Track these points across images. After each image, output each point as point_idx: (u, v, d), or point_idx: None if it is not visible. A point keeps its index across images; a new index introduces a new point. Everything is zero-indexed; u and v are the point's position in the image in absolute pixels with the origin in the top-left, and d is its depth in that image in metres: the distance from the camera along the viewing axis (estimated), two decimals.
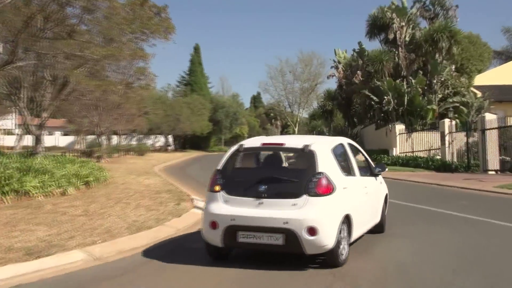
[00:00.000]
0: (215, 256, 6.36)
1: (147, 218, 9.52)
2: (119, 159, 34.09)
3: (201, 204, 12.16)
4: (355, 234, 6.43)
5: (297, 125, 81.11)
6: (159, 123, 57.96)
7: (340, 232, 5.84)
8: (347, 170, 6.58)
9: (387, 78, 32.29)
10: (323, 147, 6.32)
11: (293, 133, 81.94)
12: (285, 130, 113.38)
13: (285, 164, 6.99)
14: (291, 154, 6.90)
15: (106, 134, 41.22)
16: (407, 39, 33.45)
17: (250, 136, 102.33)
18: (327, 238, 5.71)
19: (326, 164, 6.06)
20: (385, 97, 31.15)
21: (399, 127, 30.75)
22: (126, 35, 19.22)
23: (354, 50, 37.44)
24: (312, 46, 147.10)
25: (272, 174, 6.10)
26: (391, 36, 33.53)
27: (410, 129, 30.66)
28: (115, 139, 51.50)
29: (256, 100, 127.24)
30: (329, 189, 5.87)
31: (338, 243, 5.80)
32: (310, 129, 57.80)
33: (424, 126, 30.87)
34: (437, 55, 32.15)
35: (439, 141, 27.01)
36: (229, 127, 79.60)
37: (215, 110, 75.57)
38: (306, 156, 6.09)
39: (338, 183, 5.96)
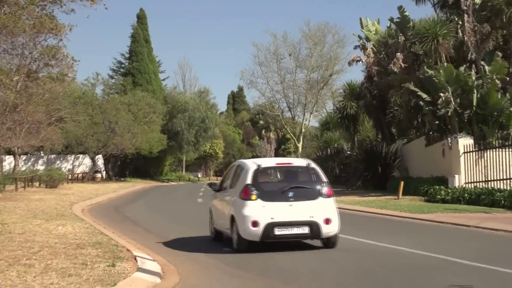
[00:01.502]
0: (243, 250, 13.94)
1: None
2: (16, 194, 33.85)
3: (150, 264, 12.16)
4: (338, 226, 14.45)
5: (301, 139, 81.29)
6: (82, 137, 57.74)
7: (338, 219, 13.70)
8: None
9: (445, 63, 32.63)
10: (316, 164, 14.65)
11: (295, 153, 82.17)
12: (281, 147, 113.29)
13: (282, 177, 15.13)
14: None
15: None
16: (477, 0, 33.87)
17: (226, 155, 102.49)
18: (335, 226, 13.62)
19: (324, 176, 14.18)
20: (442, 93, 31.45)
21: (465, 142, 31.04)
22: None
23: (391, 20, 37.85)
24: (324, 14, 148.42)
25: (294, 185, 14.00)
26: None
27: (482, 145, 30.92)
28: (9, 162, 51.16)
29: (236, 99, 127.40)
30: (331, 193, 14.00)
31: (338, 227, 13.62)
32: (323, 145, 57.88)
33: (505, 141, 31.14)
34: None
35: None
36: (195, 142, 79.40)
37: (171, 116, 75.38)
38: (310, 171, 14.20)
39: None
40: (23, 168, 50.83)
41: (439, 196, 28.64)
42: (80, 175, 61.47)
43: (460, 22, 33.86)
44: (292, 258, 13.19)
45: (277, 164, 15.26)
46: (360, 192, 36.98)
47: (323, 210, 13.85)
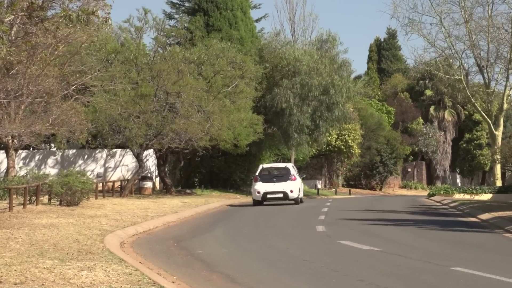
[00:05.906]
0: (257, 204, 66.35)
1: None
2: (11, 217, 34.45)
3: None
4: (301, 195, 70.00)
5: (501, 121, 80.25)
6: (121, 119, 57.31)
7: (299, 191, 69.78)
8: (298, 174, 73.38)
9: None
10: (291, 165, 75.22)
11: (489, 147, 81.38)
12: (465, 136, 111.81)
13: (272, 172, 72.57)
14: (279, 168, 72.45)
15: None
16: None
17: (366, 151, 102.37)
18: (296, 193, 68.19)
19: (293, 171, 70.97)
20: None
21: None
22: None
23: None
24: None
25: (277, 174, 69.91)
26: None
27: None
28: None
29: (384, 53, 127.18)
30: (295, 178, 68.61)
31: (299, 195, 69.36)
32: None
33: None
34: None
35: None
36: (312, 128, 78.37)
37: (271, 83, 75.09)
38: (286, 168, 70.45)
39: (297, 177, 70.32)
40: (22, 172, 51.03)
41: None
42: (117, 184, 62.53)
43: None
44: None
45: (271, 166, 70.14)
46: None
47: (289, 186, 63.32)
